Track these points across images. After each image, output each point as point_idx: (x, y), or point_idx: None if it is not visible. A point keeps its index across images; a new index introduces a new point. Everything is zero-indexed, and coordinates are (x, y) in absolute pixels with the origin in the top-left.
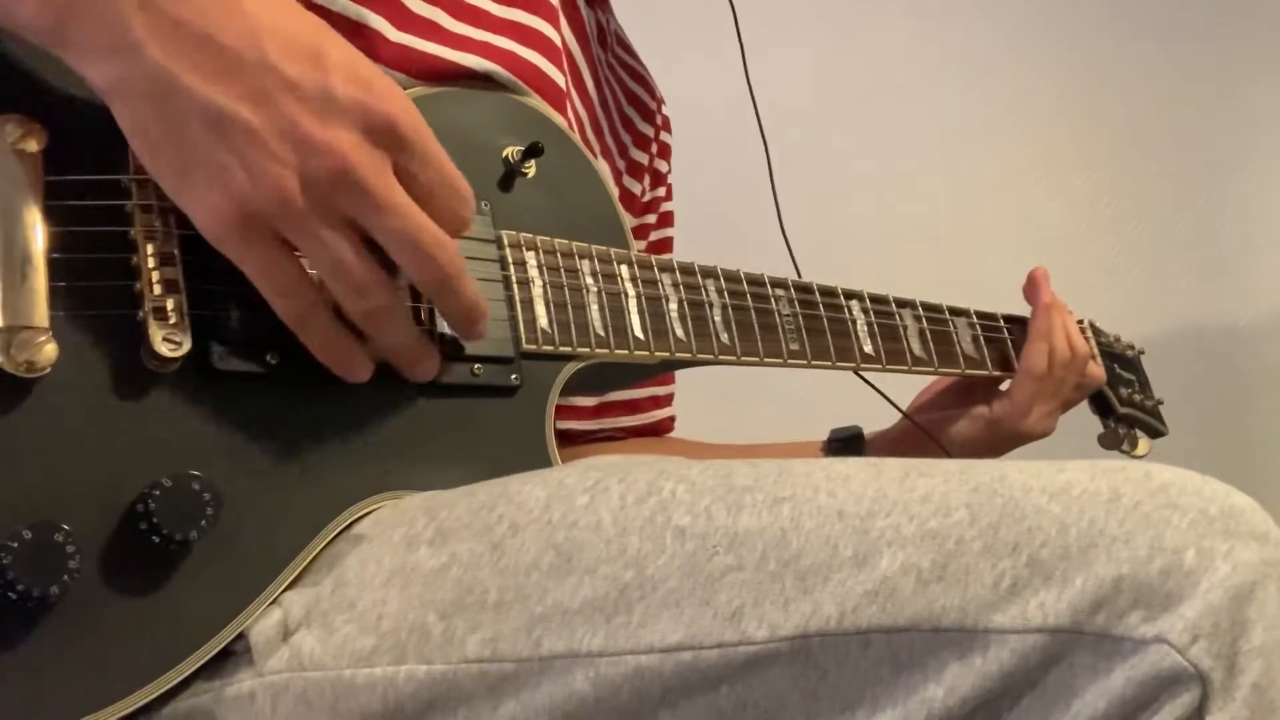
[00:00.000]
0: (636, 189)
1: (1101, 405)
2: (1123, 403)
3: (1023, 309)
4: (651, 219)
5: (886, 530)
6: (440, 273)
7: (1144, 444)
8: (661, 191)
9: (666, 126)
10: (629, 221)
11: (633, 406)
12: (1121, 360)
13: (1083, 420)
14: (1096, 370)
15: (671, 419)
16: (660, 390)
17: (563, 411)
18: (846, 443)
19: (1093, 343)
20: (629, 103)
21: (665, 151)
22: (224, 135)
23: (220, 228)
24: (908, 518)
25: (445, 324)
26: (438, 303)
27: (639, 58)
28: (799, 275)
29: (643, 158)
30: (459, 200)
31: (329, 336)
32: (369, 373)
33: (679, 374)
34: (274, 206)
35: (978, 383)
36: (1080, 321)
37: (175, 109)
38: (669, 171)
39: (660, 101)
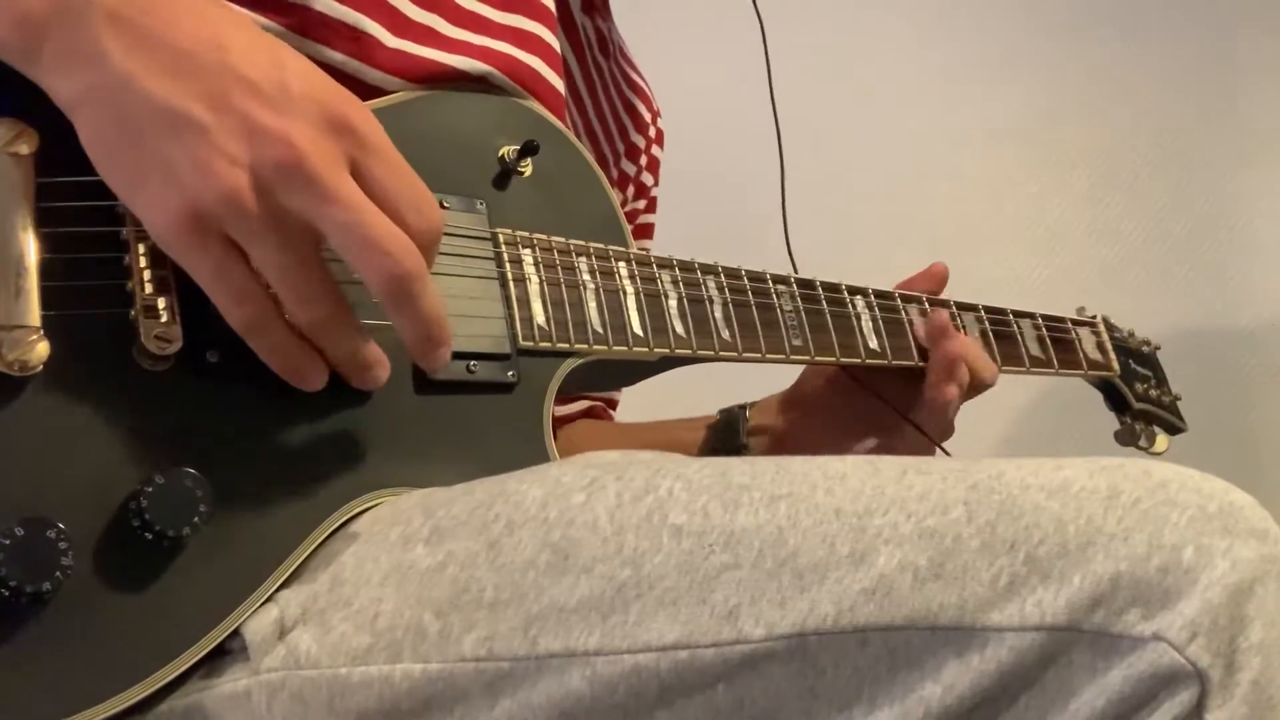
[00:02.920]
0: (618, 199)
1: (1117, 401)
2: (1138, 398)
3: (1023, 307)
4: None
5: (884, 528)
6: (395, 270)
7: (1162, 440)
8: (642, 204)
9: (659, 140)
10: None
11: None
12: (1137, 356)
13: (1092, 417)
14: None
15: (604, 405)
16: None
17: None
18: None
19: (1105, 337)
20: (625, 111)
21: (654, 165)
22: (178, 134)
23: (172, 230)
24: (905, 515)
25: None
26: (394, 315)
27: (639, 70)
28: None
29: (631, 169)
30: (423, 202)
31: (280, 344)
32: (323, 381)
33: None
34: (222, 204)
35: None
36: (1094, 317)
37: (132, 111)
38: (654, 185)
39: (655, 114)
